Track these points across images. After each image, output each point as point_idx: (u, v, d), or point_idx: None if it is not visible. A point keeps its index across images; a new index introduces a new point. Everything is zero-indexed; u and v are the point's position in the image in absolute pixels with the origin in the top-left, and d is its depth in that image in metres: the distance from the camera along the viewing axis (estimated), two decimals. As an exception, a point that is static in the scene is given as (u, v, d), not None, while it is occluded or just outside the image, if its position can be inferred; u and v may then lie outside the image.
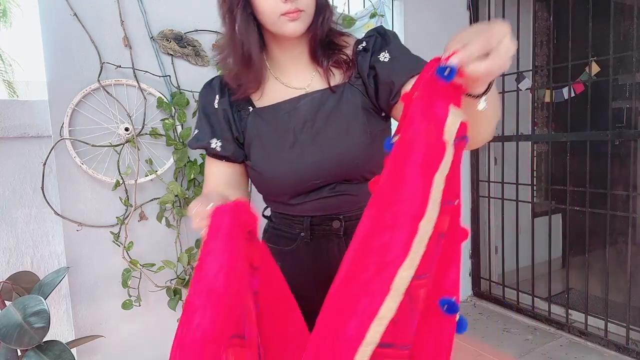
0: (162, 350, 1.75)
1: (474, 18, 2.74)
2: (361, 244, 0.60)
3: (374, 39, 0.87)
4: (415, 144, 0.56)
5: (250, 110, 0.91)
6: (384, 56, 0.84)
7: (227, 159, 0.91)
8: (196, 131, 0.94)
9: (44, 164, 1.51)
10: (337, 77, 0.89)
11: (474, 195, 2.86)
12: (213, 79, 0.95)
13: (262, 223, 1.04)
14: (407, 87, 0.81)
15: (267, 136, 0.89)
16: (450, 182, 0.57)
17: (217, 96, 0.92)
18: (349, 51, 0.89)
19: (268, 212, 1.03)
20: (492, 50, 0.51)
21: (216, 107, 0.91)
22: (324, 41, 0.88)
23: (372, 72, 0.85)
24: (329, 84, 0.88)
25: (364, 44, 0.88)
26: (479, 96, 0.62)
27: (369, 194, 0.64)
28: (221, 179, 0.93)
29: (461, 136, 0.55)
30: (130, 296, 1.63)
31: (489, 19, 2.75)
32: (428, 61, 0.63)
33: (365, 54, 0.87)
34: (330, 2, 0.90)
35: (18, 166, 1.53)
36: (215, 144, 0.90)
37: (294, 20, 0.79)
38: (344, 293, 0.60)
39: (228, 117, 0.91)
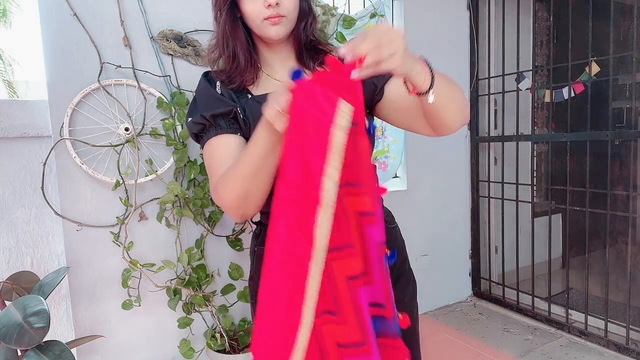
0: (162, 350, 1.76)
1: (474, 18, 2.74)
2: (276, 223, 0.71)
3: None
4: (308, 129, 0.66)
5: (249, 97, 0.94)
6: None
7: (241, 130, 0.90)
8: (190, 118, 0.93)
9: (44, 164, 1.51)
10: None
11: (474, 195, 2.86)
12: (209, 72, 0.98)
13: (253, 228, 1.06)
14: (390, 86, 0.89)
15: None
16: (349, 166, 0.66)
17: (218, 82, 0.95)
18: (333, 54, 0.94)
19: (257, 218, 1.03)
20: (382, 49, 0.63)
21: (219, 91, 0.94)
22: (308, 45, 0.96)
23: None
24: None
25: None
26: (426, 93, 0.74)
27: None
28: (236, 152, 0.88)
29: (352, 122, 0.65)
30: (130, 296, 1.63)
31: (489, 19, 2.75)
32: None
33: None
34: (314, 10, 0.97)
35: (18, 166, 1.53)
36: (239, 108, 0.90)
37: (275, 25, 0.87)
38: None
39: (232, 97, 0.92)
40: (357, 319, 0.68)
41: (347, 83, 0.65)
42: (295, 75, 0.68)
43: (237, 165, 0.81)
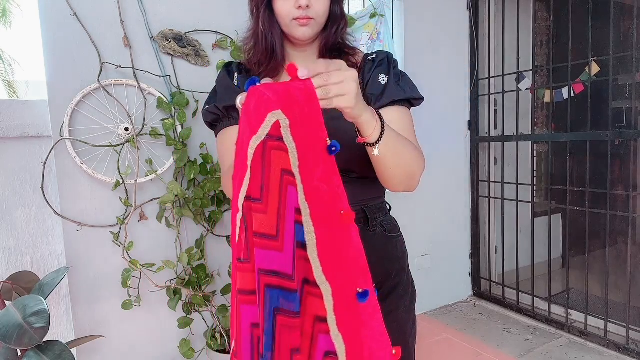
0: (162, 350, 1.76)
1: (474, 18, 2.74)
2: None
3: (385, 60, 0.97)
4: (241, 136, 0.66)
5: None
6: (383, 78, 0.94)
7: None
8: (206, 106, 0.97)
9: (44, 164, 1.51)
10: None
11: (474, 195, 2.86)
12: (231, 63, 1.01)
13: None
14: (384, 113, 0.87)
15: None
16: (253, 178, 0.65)
17: (236, 74, 0.98)
18: (357, 58, 0.99)
19: None
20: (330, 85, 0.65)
21: (236, 83, 0.97)
22: (334, 47, 0.97)
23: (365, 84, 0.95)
24: None
25: (374, 56, 0.98)
26: (372, 145, 0.75)
27: (362, 190, 0.83)
28: None
29: (272, 135, 0.64)
30: (130, 296, 1.63)
31: (489, 19, 2.75)
32: (421, 95, 0.91)
33: (372, 65, 0.97)
34: (346, 14, 0.98)
35: (18, 166, 1.53)
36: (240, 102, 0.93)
37: (303, 26, 0.89)
38: None
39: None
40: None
41: (301, 96, 0.64)
42: (250, 83, 0.67)
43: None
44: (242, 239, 0.67)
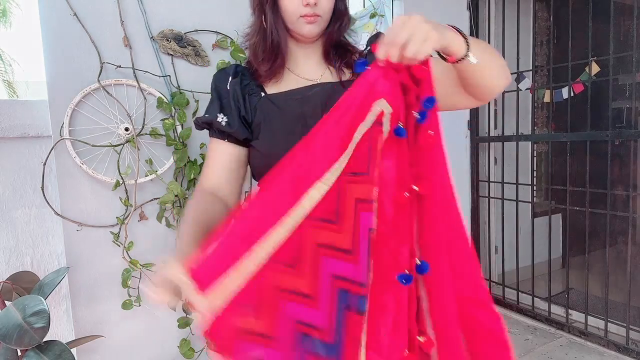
0: (162, 350, 1.75)
1: (474, 18, 2.74)
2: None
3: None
4: (346, 111, 0.70)
5: (262, 95, 0.96)
6: None
7: (230, 137, 0.95)
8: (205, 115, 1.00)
9: (44, 164, 1.51)
10: (347, 75, 0.98)
11: (474, 195, 2.86)
12: (228, 66, 1.02)
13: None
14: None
15: (276, 120, 0.94)
16: (358, 156, 0.69)
17: (230, 78, 0.97)
18: (358, 55, 0.99)
19: None
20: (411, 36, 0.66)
21: (228, 87, 0.97)
22: (338, 43, 0.98)
23: None
24: (340, 79, 0.96)
25: (369, 48, 0.97)
26: (464, 58, 0.74)
27: None
28: (223, 160, 0.96)
29: (377, 121, 0.69)
30: (130, 296, 1.63)
31: (489, 19, 2.75)
32: None
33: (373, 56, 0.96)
34: (349, 11, 0.99)
35: (18, 166, 1.53)
36: (222, 119, 0.94)
37: (310, 23, 0.90)
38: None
39: (237, 96, 0.96)
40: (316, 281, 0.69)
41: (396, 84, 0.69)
42: (361, 65, 0.72)
43: (183, 228, 0.85)
44: (340, 206, 0.70)
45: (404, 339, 0.69)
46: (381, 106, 0.68)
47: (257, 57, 0.96)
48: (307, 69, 0.98)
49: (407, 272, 0.69)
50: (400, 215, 0.70)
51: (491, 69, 0.80)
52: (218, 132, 0.95)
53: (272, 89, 0.97)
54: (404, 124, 0.70)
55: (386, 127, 0.69)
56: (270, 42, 0.93)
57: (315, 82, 0.96)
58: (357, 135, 0.69)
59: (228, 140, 0.95)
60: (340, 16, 0.95)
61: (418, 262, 0.72)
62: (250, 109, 0.95)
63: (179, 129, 1.68)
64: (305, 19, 0.89)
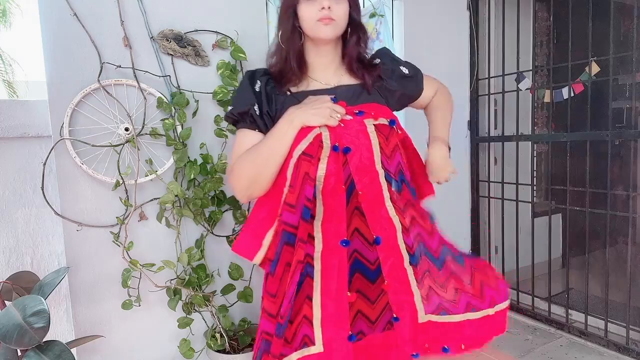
0: (162, 350, 1.76)
1: (474, 18, 2.74)
2: None
3: (387, 57, 1.18)
4: None
5: (288, 94, 1.09)
6: (402, 69, 1.17)
7: (259, 128, 1.06)
8: (230, 108, 1.12)
9: (44, 164, 1.51)
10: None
11: (474, 195, 2.86)
12: (257, 69, 1.13)
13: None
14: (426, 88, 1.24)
15: None
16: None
17: (260, 76, 1.10)
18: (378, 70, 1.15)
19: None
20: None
21: (259, 84, 1.08)
22: (359, 59, 1.11)
23: (396, 84, 1.15)
24: (364, 82, 1.11)
25: (378, 60, 1.16)
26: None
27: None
28: (249, 145, 1.06)
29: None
30: (130, 296, 1.63)
31: (489, 19, 2.75)
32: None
33: (388, 67, 1.15)
34: (365, 28, 1.12)
35: (18, 166, 1.53)
36: (256, 108, 1.06)
37: (326, 25, 1.01)
38: None
39: (267, 94, 1.08)
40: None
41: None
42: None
43: (253, 152, 1.02)
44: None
45: (345, 285, 0.98)
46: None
47: (284, 69, 1.08)
48: (325, 75, 1.10)
49: (346, 238, 0.97)
50: (338, 202, 0.97)
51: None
52: (249, 122, 1.06)
53: (296, 89, 1.10)
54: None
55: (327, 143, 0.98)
56: (285, 54, 1.07)
57: (337, 85, 1.10)
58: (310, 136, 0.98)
59: (258, 131, 1.06)
60: (355, 28, 1.07)
61: (374, 236, 1.00)
62: (276, 105, 1.07)
63: (179, 129, 1.68)
64: (322, 21, 1.00)
